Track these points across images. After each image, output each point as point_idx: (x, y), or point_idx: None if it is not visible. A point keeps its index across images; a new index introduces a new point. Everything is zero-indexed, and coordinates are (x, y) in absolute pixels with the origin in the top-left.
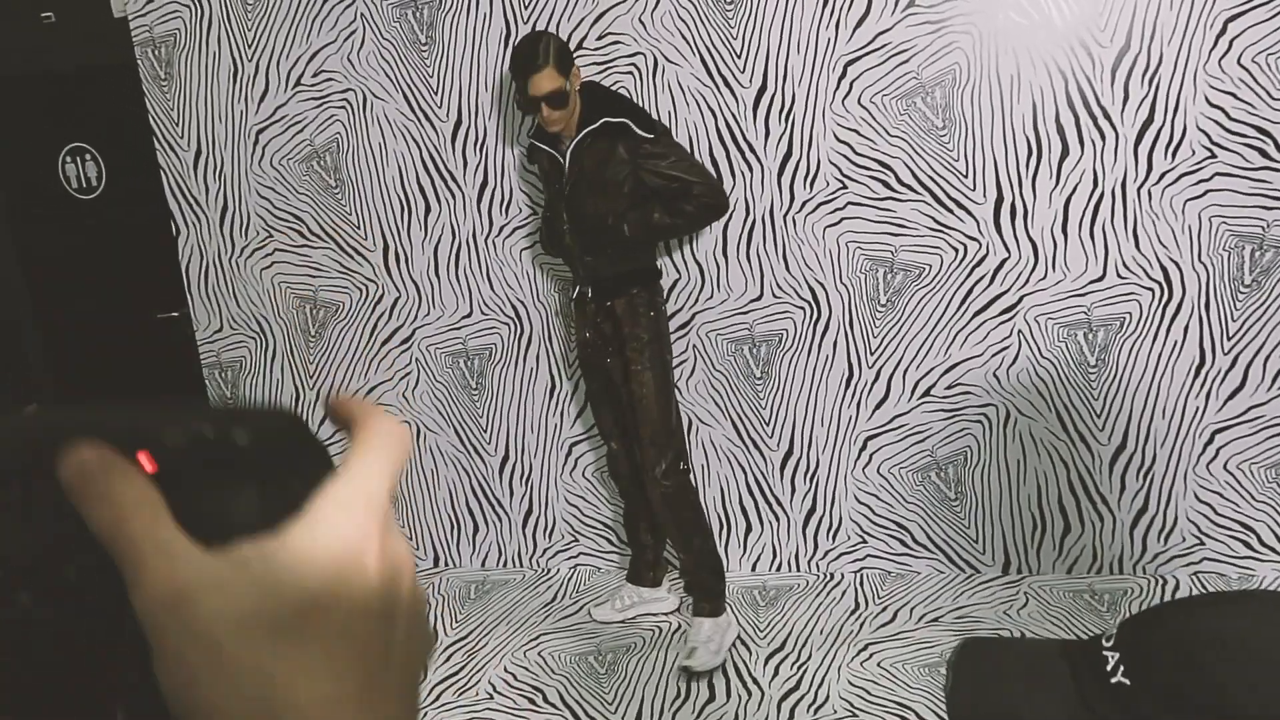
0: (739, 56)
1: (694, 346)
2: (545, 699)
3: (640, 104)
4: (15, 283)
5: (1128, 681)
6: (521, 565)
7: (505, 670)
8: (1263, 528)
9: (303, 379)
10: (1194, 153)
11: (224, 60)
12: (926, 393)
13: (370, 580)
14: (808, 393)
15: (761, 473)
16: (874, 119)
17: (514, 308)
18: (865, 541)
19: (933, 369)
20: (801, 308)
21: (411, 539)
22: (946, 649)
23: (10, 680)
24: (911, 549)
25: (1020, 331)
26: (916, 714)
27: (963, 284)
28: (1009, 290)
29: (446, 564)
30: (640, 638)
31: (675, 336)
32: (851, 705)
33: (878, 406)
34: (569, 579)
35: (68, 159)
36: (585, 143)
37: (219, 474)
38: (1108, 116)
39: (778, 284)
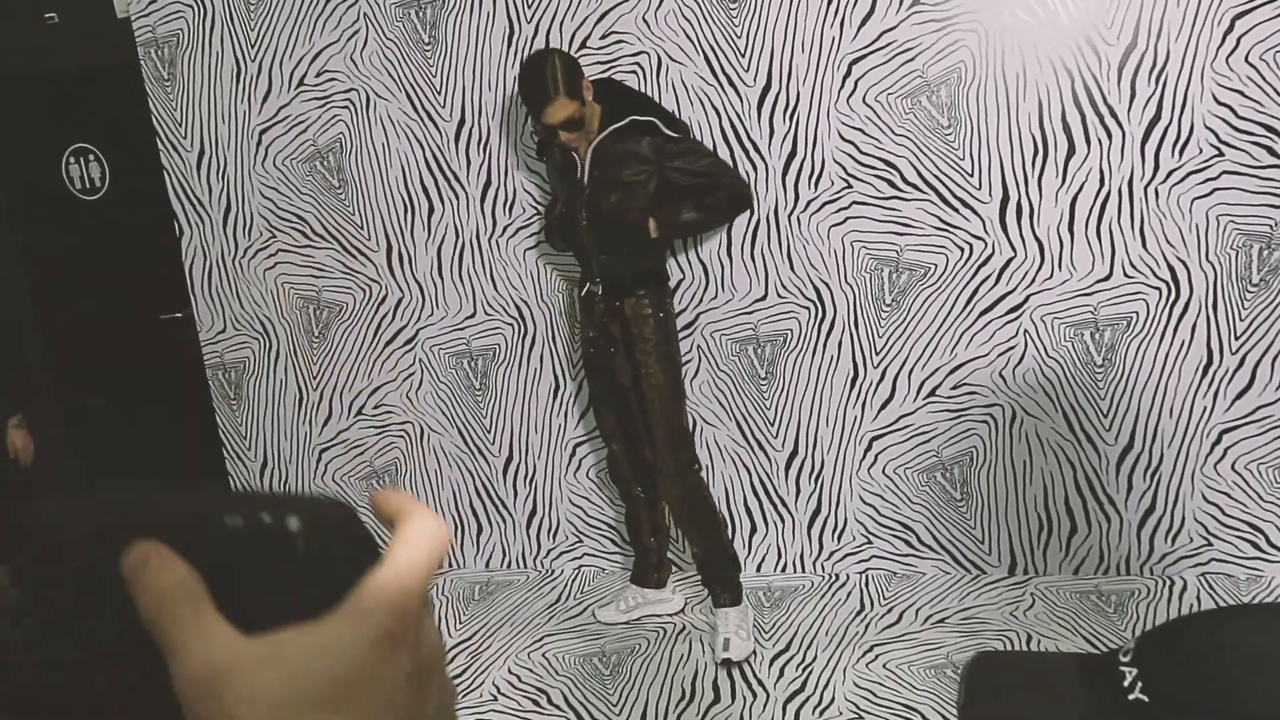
0: (743, 55)
1: (698, 347)
2: (549, 701)
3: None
4: (18, 283)
5: (1145, 699)
6: (525, 566)
7: (509, 672)
8: (1271, 528)
9: (306, 380)
10: (1201, 151)
11: (227, 60)
12: (932, 393)
13: (402, 670)
14: (812, 393)
15: (766, 473)
16: (879, 118)
17: (517, 308)
18: (870, 542)
19: (938, 369)
20: (806, 307)
21: None
22: (953, 650)
23: None
24: (917, 550)
25: (1026, 331)
26: (922, 716)
27: (968, 283)
28: (1015, 290)
29: (450, 565)
30: (645, 639)
31: (680, 337)
32: (857, 707)
33: (883, 407)
34: (573, 580)
35: (71, 160)
36: (609, 140)
37: (271, 558)
38: (1114, 115)
39: (782, 284)
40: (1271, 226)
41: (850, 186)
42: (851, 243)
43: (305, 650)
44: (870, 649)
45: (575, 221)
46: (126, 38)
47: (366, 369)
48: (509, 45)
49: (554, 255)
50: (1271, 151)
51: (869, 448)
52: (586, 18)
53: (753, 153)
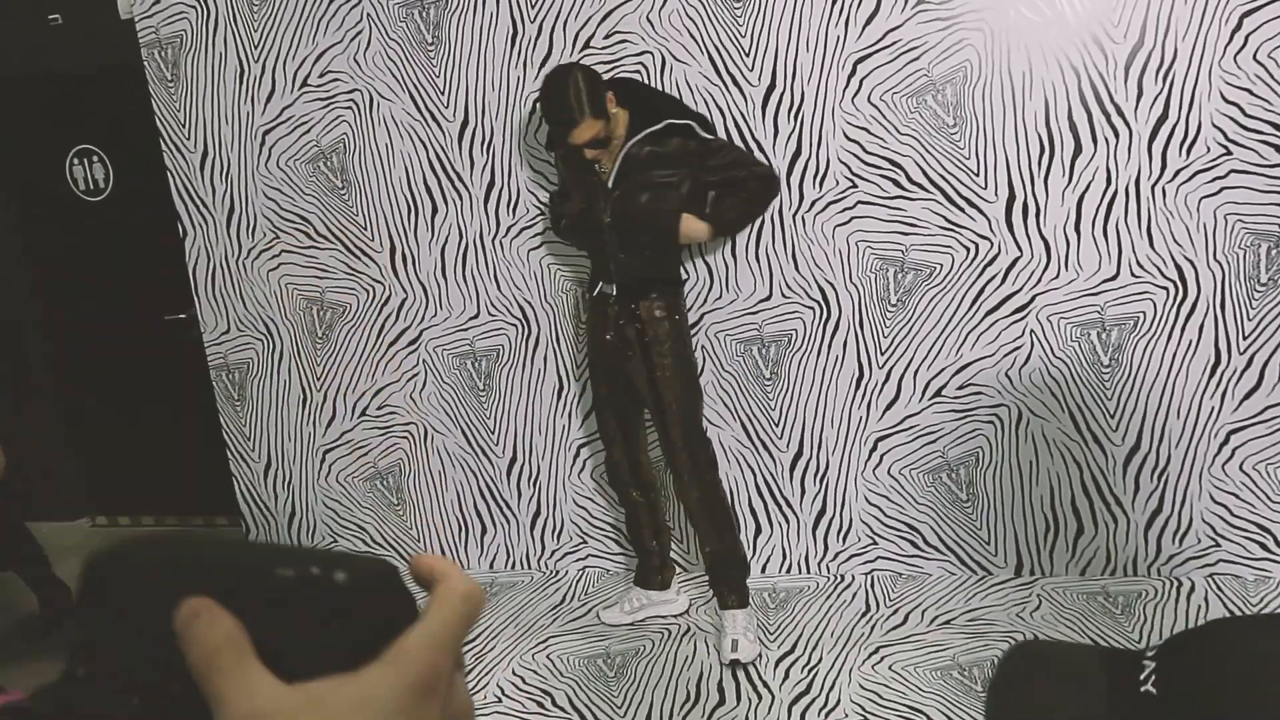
0: (747, 55)
1: (703, 347)
2: (554, 702)
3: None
4: (23, 284)
5: (1154, 691)
6: (529, 567)
7: (513, 673)
8: (1279, 529)
9: (310, 380)
10: (1209, 150)
11: (230, 61)
12: (938, 393)
13: None
14: (817, 393)
15: (771, 474)
16: (884, 117)
17: (521, 309)
18: (876, 543)
19: (944, 369)
20: (811, 308)
21: (419, 540)
22: (959, 652)
23: None
24: (923, 551)
25: (1032, 331)
26: (928, 718)
27: (974, 283)
28: (1021, 289)
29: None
30: (649, 640)
31: None
32: (863, 709)
33: (888, 407)
34: (577, 581)
35: (75, 161)
36: (641, 142)
37: (317, 610)
38: (1121, 113)
39: (787, 284)
40: None
41: (855, 186)
42: (856, 243)
43: (343, 699)
44: (876, 650)
45: (596, 220)
46: (130, 39)
47: (370, 370)
48: (512, 45)
49: (557, 256)
50: (1279, 150)
51: (874, 448)
52: (590, 17)
53: (757, 153)
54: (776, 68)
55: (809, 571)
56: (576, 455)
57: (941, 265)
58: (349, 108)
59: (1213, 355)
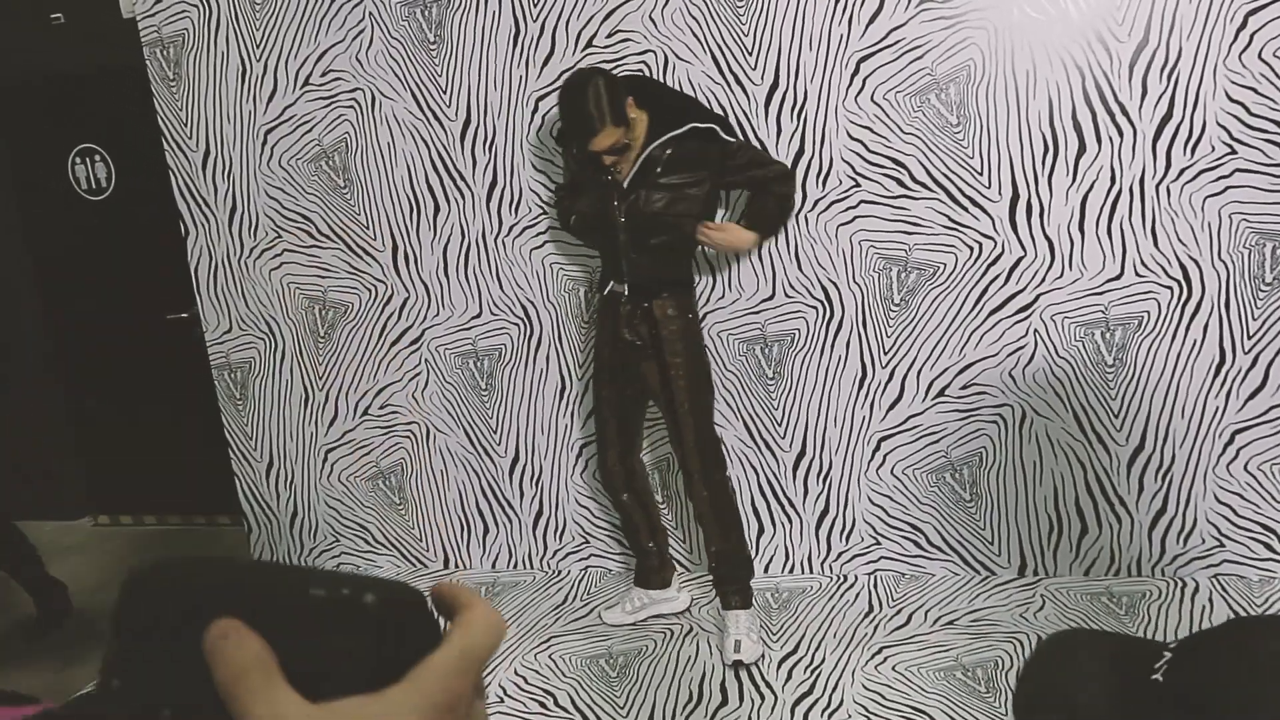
0: (750, 54)
1: (705, 347)
2: (556, 703)
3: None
4: (25, 283)
5: (1161, 680)
6: (532, 567)
7: (516, 674)
8: None
9: (312, 380)
10: (1214, 149)
11: (232, 60)
12: (941, 393)
13: None
14: (820, 393)
15: (774, 474)
16: (887, 116)
17: (524, 308)
18: (879, 543)
19: (947, 369)
20: (814, 307)
21: (421, 541)
22: (962, 652)
23: None
24: (926, 551)
25: (1036, 331)
26: (931, 718)
27: (978, 283)
28: (1025, 289)
29: (456, 566)
30: (652, 640)
31: None
32: (866, 709)
33: (891, 407)
34: (580, 581)
35: (77, 160)
36: (664, 144)
37: (345, 629)
38: (1125, 112)
39: (790, 283)
40: None
41: (858, 185)
42: (860, 242)
43: (366, 718)
44: (879, 651)
45: (610, 220)
46: (132, 38)
47: (372, 369)
48: (515, 44)
49: (560, 255)
50: None
51: (877, 448)
52: (593, 16)
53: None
54: (779, 67)
55: (812, 572)
56: (579, 455)
57: (945, 265)
58: (351, 107)
59: (1217, 355)
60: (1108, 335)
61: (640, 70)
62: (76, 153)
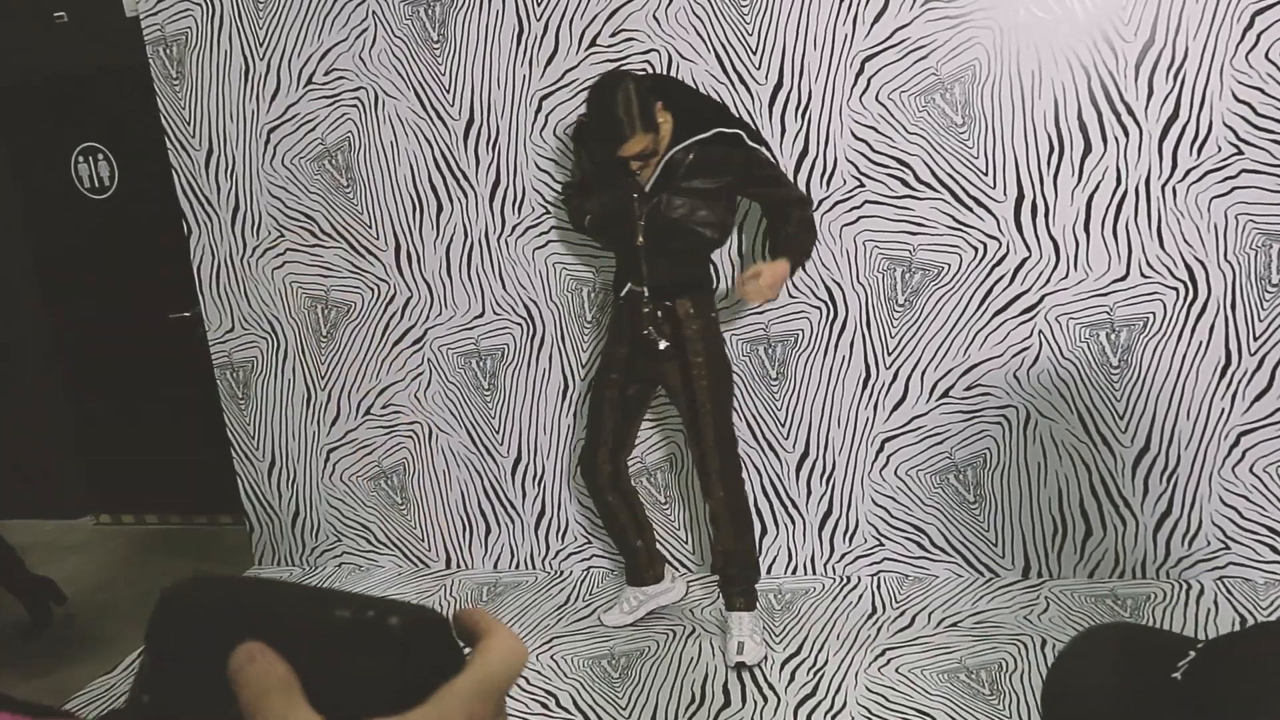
0: (754, 53)
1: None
2: (558, 703)
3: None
4: (28, 281)
5: (1179, 678)
6: (534, 567)
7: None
8: None
9: (314, 379)
10: (1220, 149)
11: (235, 59)
12: (945, 394)
13: None
14: (824, 394)
15: (777, 474)
16: (892, 116)
17: (526, 308)
18: (882, 544)
19: (951, 370)
20: (818, 307)
21: (423, 541)
22: (965, 654)
23: None
24: (930, 552)
25: (1041, 332)
26: None
27: (982, 283)
28: (1030, 290)
29: (458, 566)
30: (654, 641)
31: None
32: (869, 711)
33: (895, 408)
34: (582, 581)
35: (80, 159)
36: (688, 148)
37: (369, 651)
38: (1131, 112)
39: (793, 283)
40: None
41: (863, 185)
42: (864, 242)
43: None
44: (882, 653)
45: (628, 222)
46: (135, 37)
47: (375, 369)
48: (518, 43)
49: (563, 255)
50: None
51: (881, 449)
52: (596, 15)
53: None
54: (784, 66)
55: (815, 573)
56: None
57: (949, 265)
58: (354, 105)
59: (1223, 356)
60: (1113, 336)
61: (644, 70)
62: (79, 151)
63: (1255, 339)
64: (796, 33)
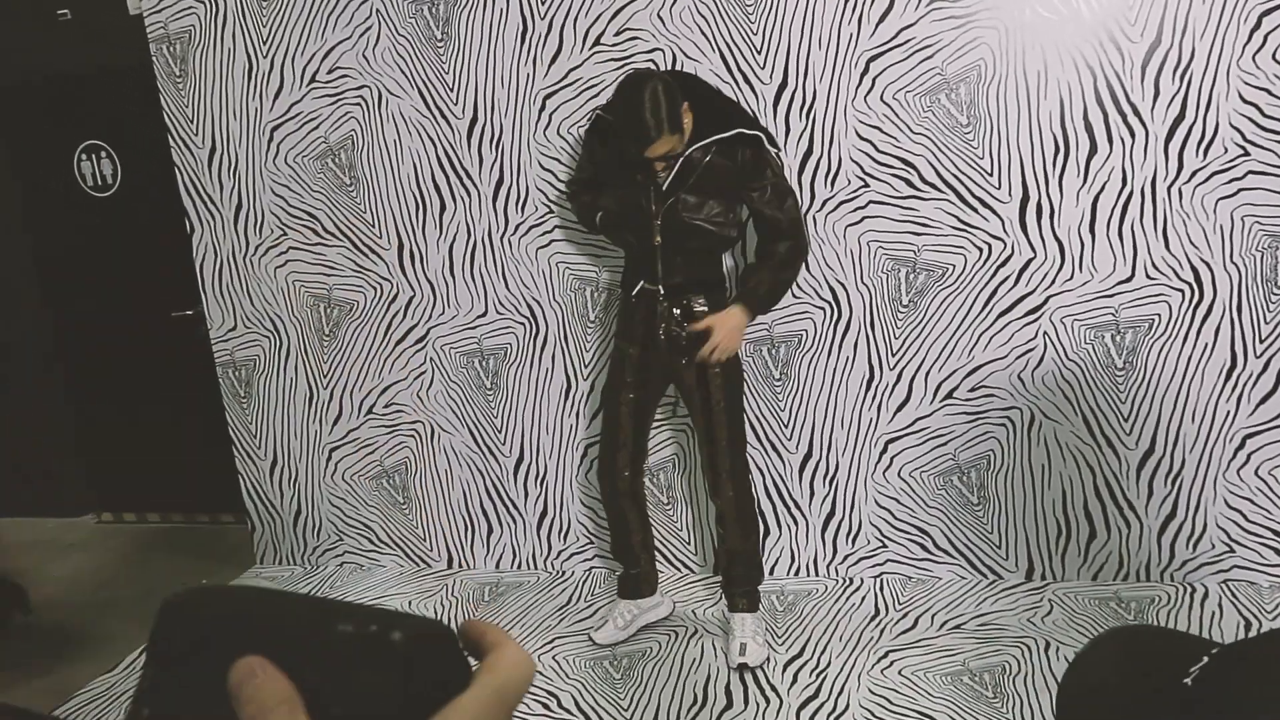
0: (759, 52)
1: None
2: (560, 705)
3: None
4: (30, 279)
5: (1189, 684)
6: (536, 568)
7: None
8: None
9: (316, 378)
10: (1226, 150)
11: (239, 57)
12: (949, 395)
13: None
14: (827, 394)
15: (780, 475)
16: (897, 116)
17: (529, 307)
18: (885, 546)
19: (955, 371)
20: (822, 308)
21: (425, 540)
22: (969, 657)
23: None
24: (933, 554)
25: (1046, 333)
26: None
27: (987, 284)
28: (1034, 291)
29: (460, 566)
30: (656, 642)
31: None
32: (872, 714)
33: (899, 409)
34: (584, 582)
35: (83, 156)
36: (712, 147)
37: (372, 665)
38: (1137, 113)
39: (797, 284)
40: None
41: (867, 185)
42: (868, 242)
43: None
44: (885, 655)
45: (643, 221)
46: (138, 34)
47: (377, 368)
48: (522, 42)
49: (567, 255)
50: None
51: (884, 450)
52: (600, 14)
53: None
54: (788, 66)
55: (818, 574)
56: (584, 455)
57: (954, 266)
58: (357, 104)
59: (1229, 359)
60: (1118, 338)
61: (649, 68)
62: (82, 149)
63: (1261, 341)
64: (801, 32)
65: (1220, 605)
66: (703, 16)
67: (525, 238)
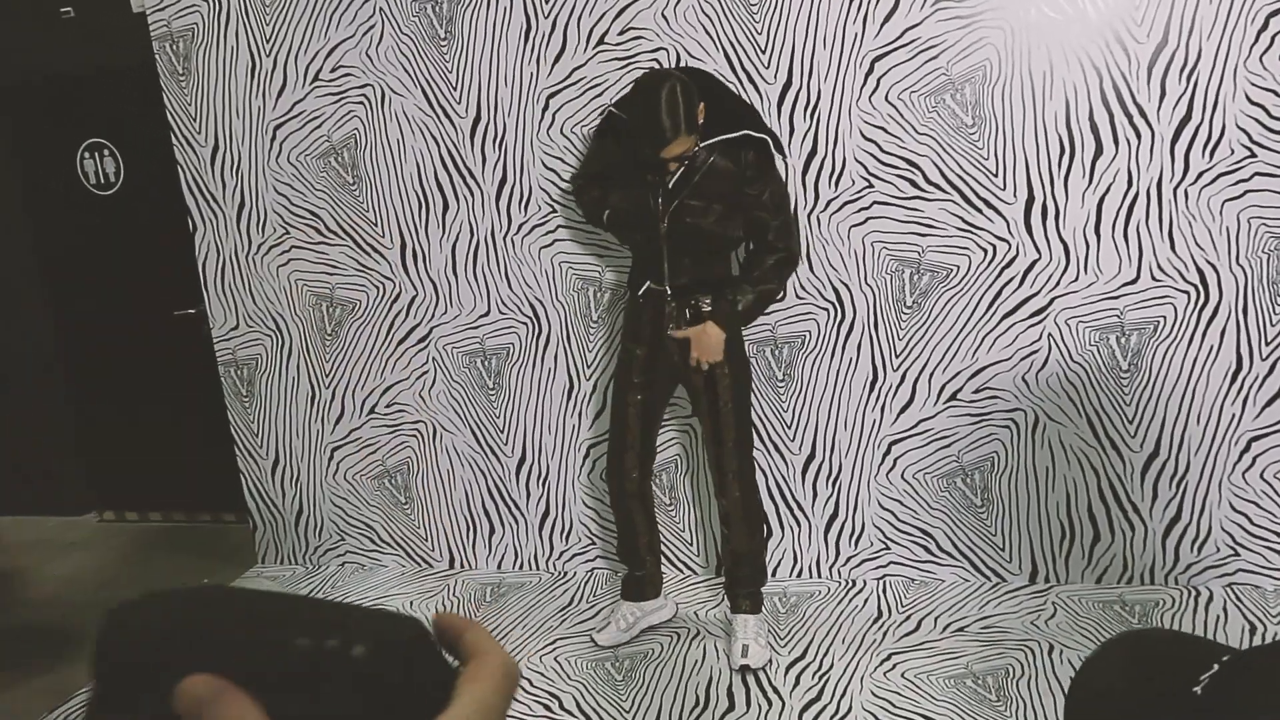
0: (763, 52)
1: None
2: (561, 706)
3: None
4: (33, 277)
5: (1199, 692)
6: (538, 568)
7: (521, 675)
8: None
9: (319, 377)
10: (1233, 152)
11: (242, 55)
12: (953, 397)
13: None
14: (831, 396)
15: (783, 476)
16: (901, 116)
17: (532, 307)
18: (888, 548)
19: (959, 372)
20: (825, 309)
21: (426, 540)
22: (972, 660)
23: None
24: (936, 556)
25: (1050, 335)
26: None
27: (991, 285)
28: (1039, 292)
29: (462, 566)
30: (658, 643)
31: None
32: (875, 717)
33: (902, 410)
34: (586, 583)
35: (85, 155)
36: (717, 147)
37: (332, 685)
38: (1143, 114)
39: (801, 284)
40: None
41: (871, 186)
42: (872, 243)
43: None
44: (888, 657)
45: (650, 219)
46: (141, 33)
47: (379, 367)
48: (526, 41)
49: (569, 254)
50: None
51: (888, 452)
52: (605, 13)
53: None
54: (793, 65)
55: (820, 576)
56: (586, 455)
57: (958, 267)
58: (360, 103)
59: (1234, 361)
60: (1123, 340)
61: (652, 68)
62: (85, 147)
63: (1267, 344)
64: (806, 31)
65: (1225, 609)
66: (707, 16)
67: (528, 237)
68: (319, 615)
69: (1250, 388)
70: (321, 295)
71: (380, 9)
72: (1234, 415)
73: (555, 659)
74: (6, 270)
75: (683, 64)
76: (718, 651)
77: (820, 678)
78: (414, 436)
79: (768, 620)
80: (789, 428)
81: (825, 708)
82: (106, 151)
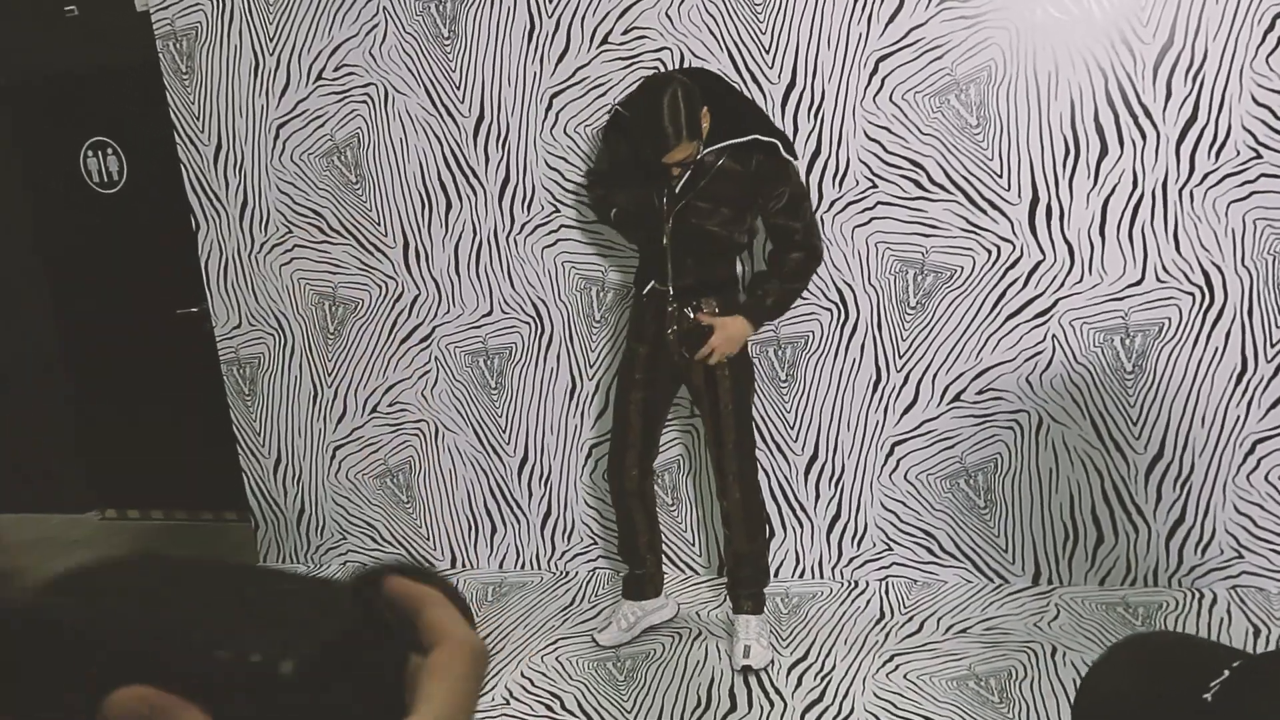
0: (767, 52)
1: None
2: (563, 706)
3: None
4: (35, 276)
5: (1209, 699)
6: (540, 568)
7: (522, 675)
8: None
9: (321, 376)
10: (1239, 153)
11: (245, 54)
12: (956, 398)
13: None
14: (834, 396)
15: (785, 477)
16: (906, 116)
17: (535, 307)
18: (891, 549)
19: (963, 373)
20: (829, 309)
21: (428, 540)
22: (975, 661)
23: None
24: (939, 558)
25: (1054, 336)
26: None
27: (995, 286)
28: (1044, 293)
29: (464, 565)
30: (660, 644)
31: None
32: (877, 718)
33: (906, 411)
34: (588, 582)
35: (89, 153)
36: (726, 151)
37: (265, 700)
38: (1149, 115)
39: None
40: None
41: (875, 186)
42: (876, 244)
43: None
44: (890, 658)
45: (654, 220)
46: (145, 31)
47: (382, 366)
48: (529, 40)
49: (572, 254)
50: None
51: (891, 453)
52: (608, 13)
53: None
54: (797, 65)
55: (823, 577)
56: (588, 455)
57: (962, 268)
58: (364, 102)
59: (1239, 363)
60: (1127, 341)
61: (656, 68)
62: (88, 146)
63: (1272, 346)
64: (810, 31)
65: (1229, 611)
66: (711, 15)
67: (531, 237)
68: (256, 612)
69: (1255, 390)
70: (324, 294)
71: (383, 8)
72: (1239, 417)
73: (557, 659)
74: (9, 269)
75: (687, 64)
76: (720, 652)
77: (822, 679)
78: (416, 436)
79: (770, 621)
80: (792, 428)
81: (827, 709)
82: (109, 150)
